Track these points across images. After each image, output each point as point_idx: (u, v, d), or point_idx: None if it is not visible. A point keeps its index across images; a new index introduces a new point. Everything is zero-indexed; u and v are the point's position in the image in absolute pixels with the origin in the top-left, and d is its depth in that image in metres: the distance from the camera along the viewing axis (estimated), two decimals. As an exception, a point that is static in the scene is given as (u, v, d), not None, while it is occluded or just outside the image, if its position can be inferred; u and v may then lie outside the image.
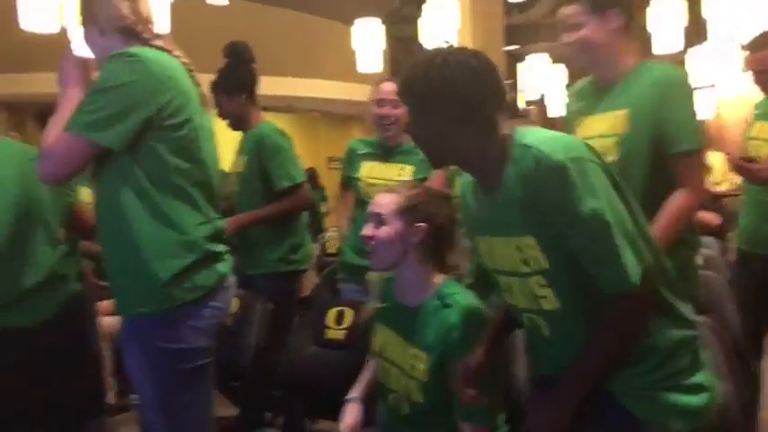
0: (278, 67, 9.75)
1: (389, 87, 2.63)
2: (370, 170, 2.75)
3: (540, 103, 8.89)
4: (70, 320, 1.84)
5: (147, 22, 1.63)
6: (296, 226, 2.96)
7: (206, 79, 8.50)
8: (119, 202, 1.46)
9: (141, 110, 1.46)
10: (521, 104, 8.38)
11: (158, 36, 1.66)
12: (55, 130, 1.46)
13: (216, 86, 2.97)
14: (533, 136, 1.26)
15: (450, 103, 1.26)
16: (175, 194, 1.47)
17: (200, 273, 1.52)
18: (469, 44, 7.85)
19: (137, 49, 1.53)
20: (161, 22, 5.78)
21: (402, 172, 2.64)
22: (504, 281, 1.36)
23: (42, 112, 3.11)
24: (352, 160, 2.86)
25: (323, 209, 5.72)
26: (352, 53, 7.93)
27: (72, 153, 1.43)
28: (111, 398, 3.84)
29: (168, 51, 1.64)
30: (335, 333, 2.27)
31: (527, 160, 1.24)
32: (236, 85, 2.92)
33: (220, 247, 1.60)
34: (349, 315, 2.27)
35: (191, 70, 1.66)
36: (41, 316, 1.76)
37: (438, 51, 1.35)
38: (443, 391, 1.53)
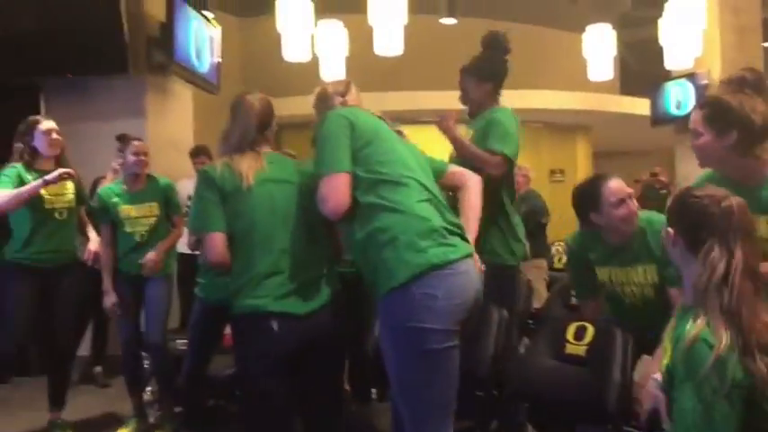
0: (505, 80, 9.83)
1: None
2: None
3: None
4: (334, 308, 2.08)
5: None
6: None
7: (437, 96, 8.98)
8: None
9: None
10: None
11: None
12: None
13: (467, 70, 3.04)
14: None
15: None
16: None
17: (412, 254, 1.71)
18: (717, 42, 7.11)
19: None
20: (395, 42, 6.30)
21: None
22: None
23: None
24: None
25: (544, 220, 5.60)
26: (581, 62, 7.71)
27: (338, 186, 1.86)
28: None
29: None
30: (576, 348, 2.23)
31: None
32: (488, 73, 2.98)
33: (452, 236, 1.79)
34: (590, 331, 2.22)
35: None
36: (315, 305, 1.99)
37: None
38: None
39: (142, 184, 3.35)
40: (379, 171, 1.81)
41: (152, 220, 3.27)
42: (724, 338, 1.25)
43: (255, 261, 1.94)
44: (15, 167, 3.10)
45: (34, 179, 3.03)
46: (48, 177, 2.97)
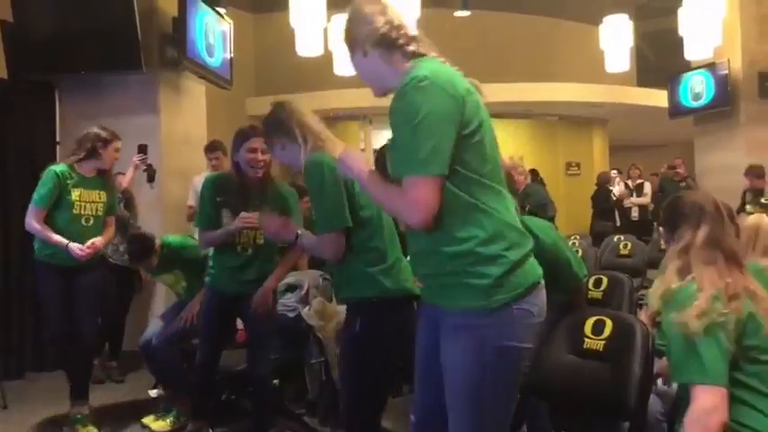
0: (519, 73, 9.74)
1: None
2: None
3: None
4: None
5: (400, 28, 1.60)
6: None
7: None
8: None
9: (450, 133, 1.45)
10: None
11: (414, 39, 1.61)
12: (393, 192, 1.51)
13: None
14: None
15: None
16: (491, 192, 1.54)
17: (519, 272, 1.50)
18: (737, 32, 6.96)
19: (421, 71, 1.47)
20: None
21: None
22: None
23: None
24: None
25: (551, 213, 5.54)
26: (597, 53, 7.60)
27: (428, 192, 1.44)
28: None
29: (428, 54, 1.60)
30: (594, 343, 2.18)
31: None
32: None
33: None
34: (609, 325, 2.16)
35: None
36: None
37: None
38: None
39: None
40: (480, 170, 1.50)
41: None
42: (708, 287, 1.50)
43: (387, 247, 2.03)
44: (60, 171, 3.14)
45: (74, 182, 3.15)
46: (75, 250, 3.07)
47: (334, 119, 10.81)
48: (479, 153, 1.50)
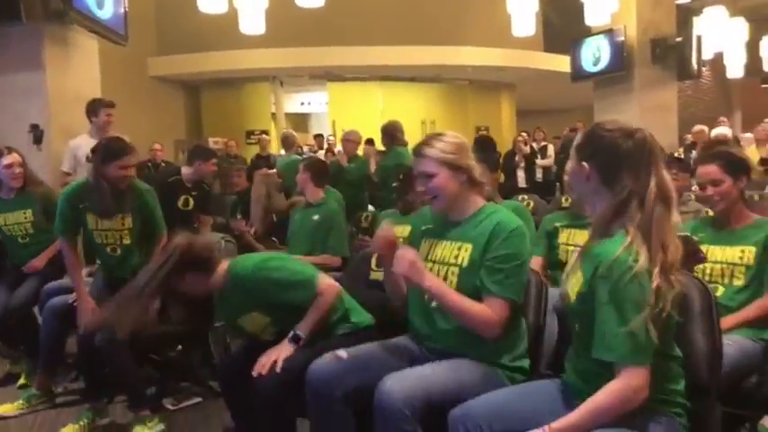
0: (427, 35, 9.76)
1: None
2: None
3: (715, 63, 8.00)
4: None
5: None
6: None
7: (361, 52, 8.76)
8: None
9: None
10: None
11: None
12: (476, 309, 1.72)
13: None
14: None
15: None
16: None
17: None
18: (633, 1, 7.26)
19: (520, 224, 1.79)
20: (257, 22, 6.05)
21: None
22: None
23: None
24: None
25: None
26: (505, 18, 7.73)
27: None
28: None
29: None
30: (377, 275, 2.40)
31: None
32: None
33: None
34: None
35: None
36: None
37: None
38: (475, 277, 1.75)
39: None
40: None
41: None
42: (643, 255, 1.32)
43: None
44: None
45: None
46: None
47: (242, 80, 10.49)
48: None
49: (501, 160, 8.86)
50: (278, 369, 1.94)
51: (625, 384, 1.32)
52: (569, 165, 1.56)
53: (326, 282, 2.13)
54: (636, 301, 1.31)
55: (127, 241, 2.92)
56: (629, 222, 1.36)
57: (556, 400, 1.51)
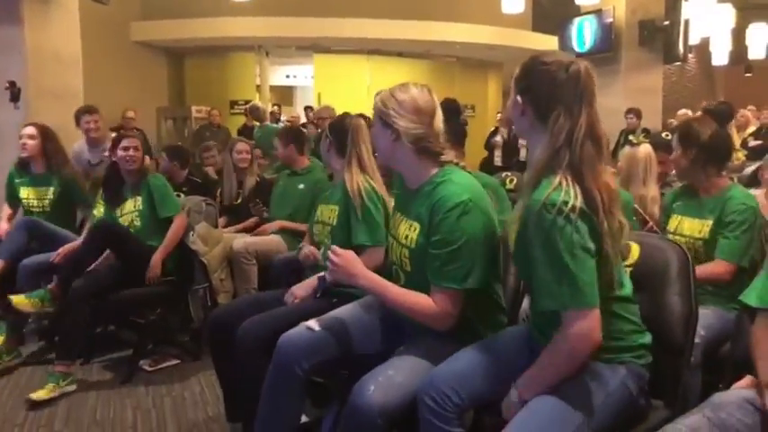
0: (417, 10, 9.66)
1: None
2: None
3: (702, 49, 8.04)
4: None
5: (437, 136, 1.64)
6: None
7: (353, 24, 8.62)
8: None
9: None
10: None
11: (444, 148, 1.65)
12: (420, 305, 1.56)
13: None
14: None
15: None
16: None
17: None
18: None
19: (465, 197, 1.54)
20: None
21: None
22: None
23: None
24: None
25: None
26: (495, -5, 7.69)
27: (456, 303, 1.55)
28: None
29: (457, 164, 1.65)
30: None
31: None
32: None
33: None
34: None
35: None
36: None
37: None
38: (424, 259, 1.59)
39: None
40: None
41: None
42: (577, 195, 1.26)
43: None
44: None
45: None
46: None
47: (227, 48, 10.30)
48: None
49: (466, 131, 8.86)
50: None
51: (572, 330, 1.26)
52: (509, 100, 1.45)
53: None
54: (570, 243, 1.24)
55: (138, 223, 2.99)
56: (558, 167, 1.29)
57: (522, 348, 1.49)
